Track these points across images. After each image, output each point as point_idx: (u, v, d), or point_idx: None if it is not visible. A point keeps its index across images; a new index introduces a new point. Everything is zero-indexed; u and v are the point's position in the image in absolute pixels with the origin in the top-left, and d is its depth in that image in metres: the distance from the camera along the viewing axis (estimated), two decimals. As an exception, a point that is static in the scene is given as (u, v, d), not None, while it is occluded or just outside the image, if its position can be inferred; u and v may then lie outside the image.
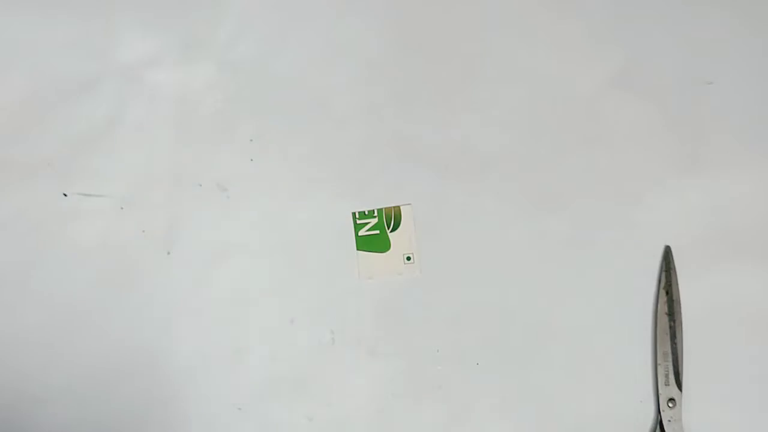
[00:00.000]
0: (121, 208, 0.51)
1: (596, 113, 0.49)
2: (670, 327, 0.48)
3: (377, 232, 0.49)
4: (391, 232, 0.49)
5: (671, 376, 0.48)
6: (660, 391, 0.49)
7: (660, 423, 0.50)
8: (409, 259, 0.50)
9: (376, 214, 0.49)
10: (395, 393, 0.50)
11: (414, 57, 0.48)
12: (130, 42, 0.49)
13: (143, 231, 0.51)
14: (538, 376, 0.50)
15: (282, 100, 0.49)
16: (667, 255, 0.48)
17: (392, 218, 0.49)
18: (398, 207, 0.49)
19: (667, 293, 0.48)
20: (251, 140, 0.49)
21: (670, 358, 0.48)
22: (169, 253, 0.51)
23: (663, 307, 0.48)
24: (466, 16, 0.49)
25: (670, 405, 0.49)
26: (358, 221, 0.49)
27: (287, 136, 0.49)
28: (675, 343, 0.48)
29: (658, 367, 0.49)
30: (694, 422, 0.48)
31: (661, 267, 0.48)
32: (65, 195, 0.51)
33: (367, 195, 0.49)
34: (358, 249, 0.50)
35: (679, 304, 0.47)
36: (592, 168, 0.49)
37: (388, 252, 0.50)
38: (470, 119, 0.49)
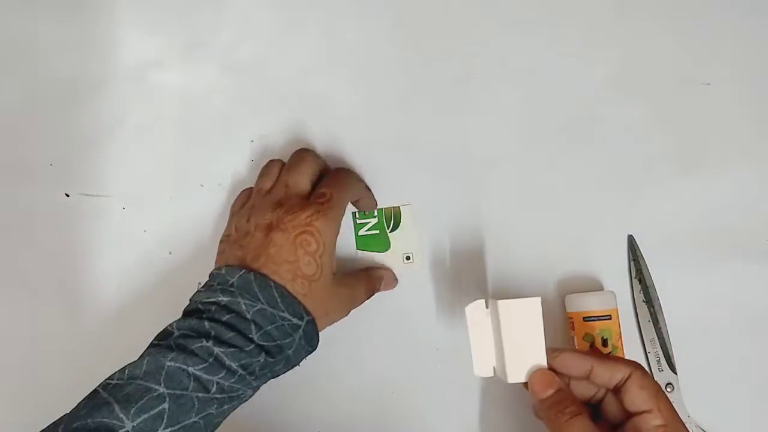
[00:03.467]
0: (123, 208, 0.50)
1: (594, 114, 0.52)
2: (651, 313, 0.51)
3: (377, 231, 0.51)
4: (390, 231, 0.51)
5: (663, 361, 0.50)
6: (656, 378, 0.50)
7: (664, 410, 0.50)
8: (408, 258, 0.51)
9: (375, 214, 0.51)
10: (396, 390, 0.48)
11: (414, 57, 0.52)
12: (133, 44, 0.51)
13: (145, 231, 0.49)
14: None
15: (282, 101, 0.51)
16: (632, 244, 0.51)
17: (392, 218, 0.51)
18: (398, 207, 0.51)
19: (640, 281, 0.51)
20: (252, 141, 0.50)
21: (657, 344, 0.51)
22: (170, 253, 0.49)
23: (639, 296, 0.51)
24: (466, 17, 0.52)
25: (669, 390, 0.50)
26: (358, 221, 0.51)
27: (287, 137, 0.51)
28: (659, 328, 0.50)
29: (649, 355, 0.51)
30: (696, 405, 0.49)
31: (629, 257, 0.52)
32: (67, 195, 0.49)
33: (367, 195, 0.51)
34: (357, 249, 0.51)
35: (654, 290, 0.51)
36: (589, 168, 0.51)
37: (387, 252, 0.51)
38: (469, 120, 0.51)
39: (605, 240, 0.51)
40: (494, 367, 0.42)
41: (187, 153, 0.50)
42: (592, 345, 0.47)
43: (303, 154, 0.46)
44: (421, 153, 0.51)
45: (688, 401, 0.49)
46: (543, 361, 0.39)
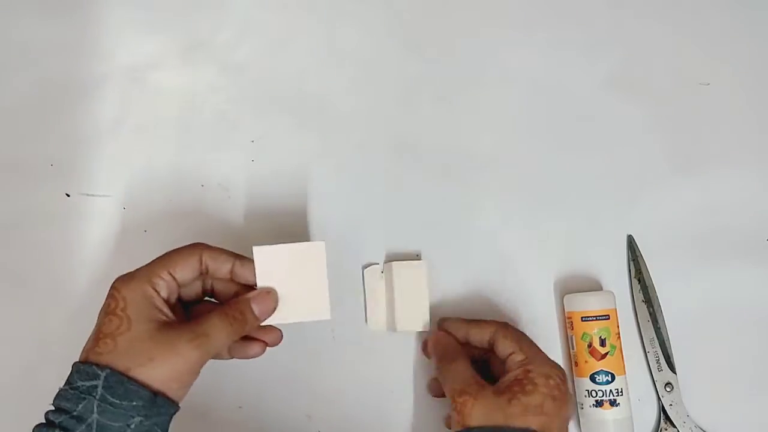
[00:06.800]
0: (124, 208, 0.50)
1: (593, 114, 0.52)
2: (650, 313, 0.51)
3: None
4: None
5: (662, 361, 0.50)
6: (655, 378, 0.50)
7: (663, 409, 0.50)
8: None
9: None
10: (395, 390, 0.48)
11: (414, 58, 0.52)
12: (133, 43, 0.51)
13: (145, 231, 0.49)
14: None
15: (283, 101, 0.51)
16: (631, 244, 0.52)
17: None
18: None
19: (639, 281, 0.51)
20: (252, 141, 0.50)
21: (656, 344, 0.51)
22: (170, 253, 0.49)
23: (639, 296, 0.51)
24: (466, 17, 0.52)
25: (668, 389, 0.50)
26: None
27: (288, 137, 0.51)
28: (658, 328, 0.51)
29: (648, 355, 0.51)
30: (695, 404, 0.49)
31: (628, 257, 0.52)
32: (67, 195, 0.49)
33: (367, 195, 0.50)
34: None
35: (654, 289, 0.51)
36: (589, 168, 0.52)
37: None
38: (469, 120, 0.51)
39: (604, 240, 0.51)
40: (385, 323, 0.49)
41: (187, 153, 0.50)
42: (590, 345, 0.47)
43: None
44: (421, 153, 0.51)
45: (687, 401, 0.49)
46: (427, 314, 0.48)
